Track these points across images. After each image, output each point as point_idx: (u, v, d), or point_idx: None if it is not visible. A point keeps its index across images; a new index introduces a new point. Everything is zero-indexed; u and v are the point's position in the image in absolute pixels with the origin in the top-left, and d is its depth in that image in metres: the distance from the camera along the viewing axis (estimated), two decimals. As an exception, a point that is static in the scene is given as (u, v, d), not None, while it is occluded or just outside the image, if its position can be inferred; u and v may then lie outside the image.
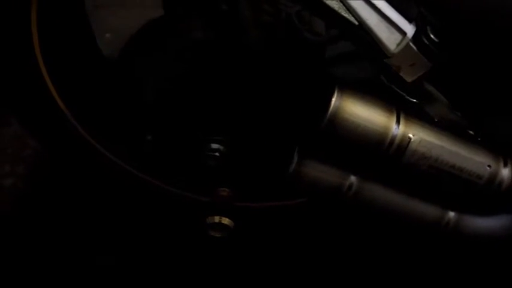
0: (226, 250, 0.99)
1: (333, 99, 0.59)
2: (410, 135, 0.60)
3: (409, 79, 0.62)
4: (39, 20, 0.75)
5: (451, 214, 0.66)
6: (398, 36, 0.59)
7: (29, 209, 1.05)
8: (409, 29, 0.59)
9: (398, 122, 0.60)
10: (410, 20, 0.59)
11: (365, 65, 0.65)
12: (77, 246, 1.00)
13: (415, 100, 0.64)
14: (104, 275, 0.97)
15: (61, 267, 0.97)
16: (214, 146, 0.76)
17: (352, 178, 0.65)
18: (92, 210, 1.03)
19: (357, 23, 0.58)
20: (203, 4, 0.70)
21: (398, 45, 0.59)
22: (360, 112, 0.59)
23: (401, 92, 0.63)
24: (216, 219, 0.78)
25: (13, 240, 1.00)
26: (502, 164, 0.62)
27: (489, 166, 0.62)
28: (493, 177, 0.62)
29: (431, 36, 0.59)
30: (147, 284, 0.97)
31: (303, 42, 0.66)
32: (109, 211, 1.02)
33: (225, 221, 0.78)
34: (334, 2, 0.57)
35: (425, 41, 0.59)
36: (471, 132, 0.64)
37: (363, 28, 0.58)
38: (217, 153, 0.76)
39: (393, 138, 0.60)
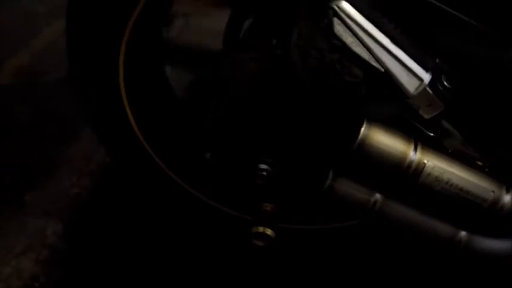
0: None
1: (362, 129, 0.70)
2: (425, 161, 0.70)
3: (426, 116, 0.71)
4: (126, 58, 0.84)
5: (463, 233, 0.75)
6: (416, 82, 0.68)
7: (91, 218, 1.11)
8: (426, 77, 0.69)
9: (415, 149, 0.70)
10: (427, 69, 0.69)
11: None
12: (133, 255, 1.04)
13: (432, 134, 0.73)
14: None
15: (120, 275, 1.01)
16: (263, 166, 0.83)
17: (378, 195, 0.76)
18: (150, 221, 1.08)
19: (383, 70, 0.69)
20: (261, 49, 0.81)
21: (416, 89, 0.69)
22: (384, 140, 0.70)
23: (420, 127, 0.72)
24: (260, 229, 0.83)
25: (73, 246, 1.05)
26: (504, 191, 0.71)
27: (493, 192, 0.70)
28: (496, 201, 0.70)
29: (445, 83, 0.69)
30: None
31: (343, 83, 0.76)
32: (168, 224, 1.07)
33: (268, 231, 0.83)
34: (364, 54, 0.68)
35: (440, 87, 0.69)
36: (480, 163, 0.73)
37: (388, 74, 0.69)
38: (265, 173, 0.83)
39: (410, 162, 0.70)
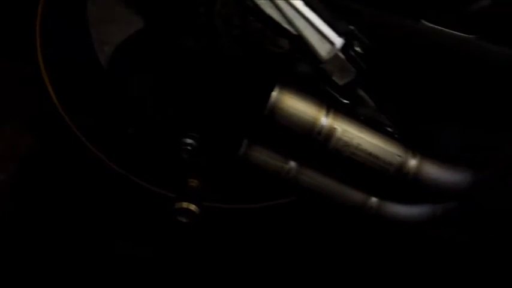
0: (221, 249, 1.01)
1: (273, 93, 0.71)
2: (336, 126, 0.71)
3: (340, 82, 0.72)
4: (43, 27, 0.83)
5: (374, 200, 0.78)
6: (328, 46, 0.70)
7: (18, 205, 1.07)
8: (338, 41, 0.70)
9: (327, 115, 0.71)
10: (340, 34, 0.70)
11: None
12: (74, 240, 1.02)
13: (346, 101, 0.74)
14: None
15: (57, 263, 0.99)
16: (188, 140, 0.83)
17: (292, 163, 0.77)
18: (78, 208, 1.05)
19: (295, 33, 0.69)
20: (184, 20, 0.80)
21: (328, 53, 0.70)
22: (295, 105, 0.71)
23: (334, 93, 0.74)
24: (184, 204, 0.82)
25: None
26: (410, 156, 0.73)
27: (399, 156, 0.72)
28: (401, 166, 0.72)
29: (357, 49, 0.71)
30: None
31: (266, 52, 0.75)
32: (97, 207, 1.05)
33: (192, 207, 0.82)
34: (276, 15, 0.68)
35: (352, 53, 0.71)
36: (390, 130, 0.75)
37: (300, 38, 0.69)
38: (189, 147, 0.83)
39: (321, 127, 0.71)
